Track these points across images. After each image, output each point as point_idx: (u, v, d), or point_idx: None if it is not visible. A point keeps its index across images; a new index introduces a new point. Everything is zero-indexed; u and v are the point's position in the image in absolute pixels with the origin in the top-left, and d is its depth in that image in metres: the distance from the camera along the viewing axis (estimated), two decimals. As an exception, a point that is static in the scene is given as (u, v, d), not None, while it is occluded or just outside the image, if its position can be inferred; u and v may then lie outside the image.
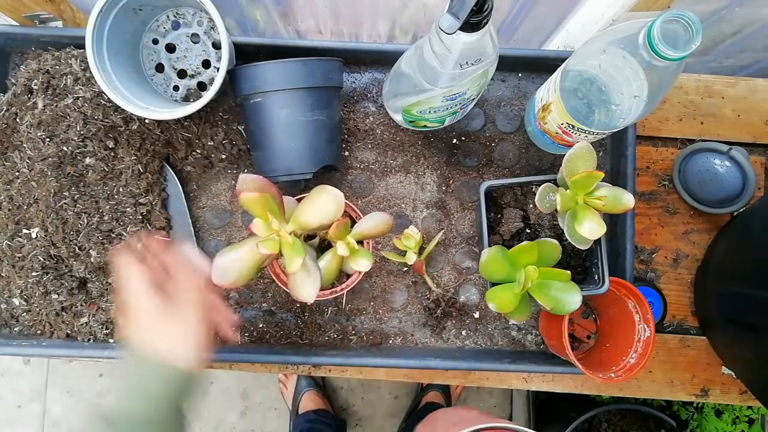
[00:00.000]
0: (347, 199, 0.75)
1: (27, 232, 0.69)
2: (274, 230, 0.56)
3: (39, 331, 0.72)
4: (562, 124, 0.63)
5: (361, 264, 0.61)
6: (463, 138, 0.75)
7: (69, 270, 0.70)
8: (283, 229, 0.57)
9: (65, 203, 0.68)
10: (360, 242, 0.64)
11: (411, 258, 0.70)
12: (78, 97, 0.67)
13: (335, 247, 0.61)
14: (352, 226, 0.64)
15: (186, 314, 0.52)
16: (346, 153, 0.75)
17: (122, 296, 0.52)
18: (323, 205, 0.57)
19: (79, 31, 0.72)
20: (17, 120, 0.70)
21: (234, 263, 0.56)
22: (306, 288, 0.57)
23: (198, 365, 0.51)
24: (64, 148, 0.67)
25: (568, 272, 0.60)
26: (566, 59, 0.61)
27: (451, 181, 0.75)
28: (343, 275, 0.69)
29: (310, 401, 1.43)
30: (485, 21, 0.49)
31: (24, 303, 0.71)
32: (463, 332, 0.74)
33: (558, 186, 0.61)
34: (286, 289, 0.66)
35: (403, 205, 0.75)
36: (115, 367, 1.55)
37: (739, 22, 0.79)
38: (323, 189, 0.57)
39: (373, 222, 0.63)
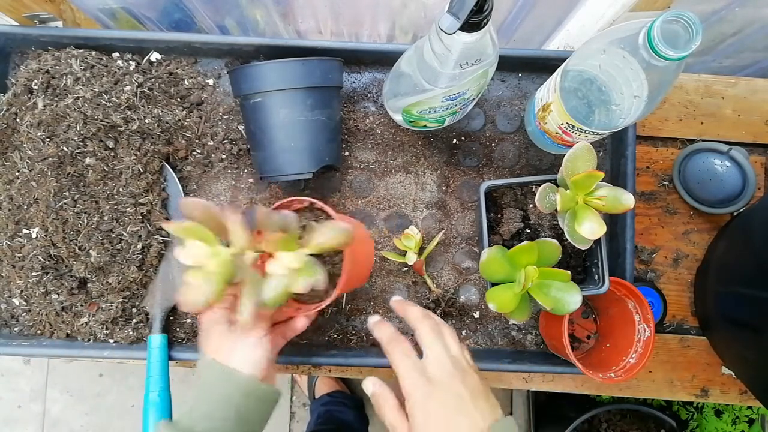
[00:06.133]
0: (346, 199, 0.75)
1: (27, 232, 0.69)
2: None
3: (39, 331, 0.72)
4: (562, 124, 0.63)
5: (301, 285, 0.52)
6: (463, 138, 0.75)
7: (69, 270, 0.70)
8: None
9: (65, 203, 0.67)
10: (320, 256, 0.57)
11: (411, 258, 0.70)
12: (78, 97, 0.67)
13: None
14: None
15: (251, 328, 0.55)
16: (346, 153, 0.75)
17: (201, 321, 0.59)
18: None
19: (79, 31, 0.72)
20: (17, 120, 0.70)
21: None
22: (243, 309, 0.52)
23: (264, 374, 0.54)
24: (64, 148, 0.67)
25: (568, 272, 0.60)
26: (566, 59, 0.61)
27: (451, 181, 0.75)
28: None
29: (324, 385, 1.44)
30: (485, 21, 0.49)
31: (24, 303, 0.71)
32: (463, 332, 0.74)
33: (558, 186, 0.61)
34: None
35: (403, 205, 0.75)
36: (115, 369, 1.55)
37: (739, 22, 0.79)
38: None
39: (325, 234, 0.54)
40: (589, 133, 0.62)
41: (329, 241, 0.54)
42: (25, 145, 0.68)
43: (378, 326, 0.59)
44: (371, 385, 0.54)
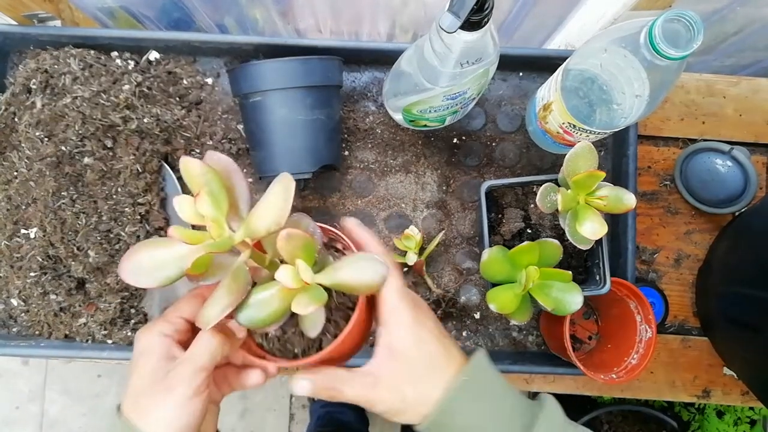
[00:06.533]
0: (346, 199, 0.75)
1: (25, 232, 0.69)
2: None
3: (37, 332, 0.71)
4: (563, 123, 0.63)
5: (303, 305, 0.37)
6: (463, 137, 0.75)
7: (67, 270, 0.69)
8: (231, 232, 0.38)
9: (63, 203, 0.67)
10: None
11: (411, 258, 0.70)
12: (76, 97, 0.67)
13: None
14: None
15: (181, 381, 0.40)
16: (346, 152, 0.74)
17: (138, 347, 0.43)
18: (272, 200, 0.38)
19: (77, 30, 0.72)
20: (15, 119, 0.69)
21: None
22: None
23: None
24: (63, 148, 0.67)
25: (570, 273, 0.60)
26: (567, 58, 0.61)
27: (451, 181, 0.75)
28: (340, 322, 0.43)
29: None
30: (486, 20, 0.48)
31: (22, 303, 0.71)
32: (464, 333, 0.74)
33: (559, 186, 0.61)
34: None
35: (403, 205, 0.75)
36: (114, 370, 1.55)
37: (741, 21, 0.79)
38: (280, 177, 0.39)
39: (355, 269, 0.39)
40: (590, 132, 0.61)
41: (357, 278, 0.39)
42: (23, 145, 0.68)
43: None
44: (306, 383, 0.42)
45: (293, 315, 0.41)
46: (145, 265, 0.38)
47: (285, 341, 0.43)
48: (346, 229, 0.45)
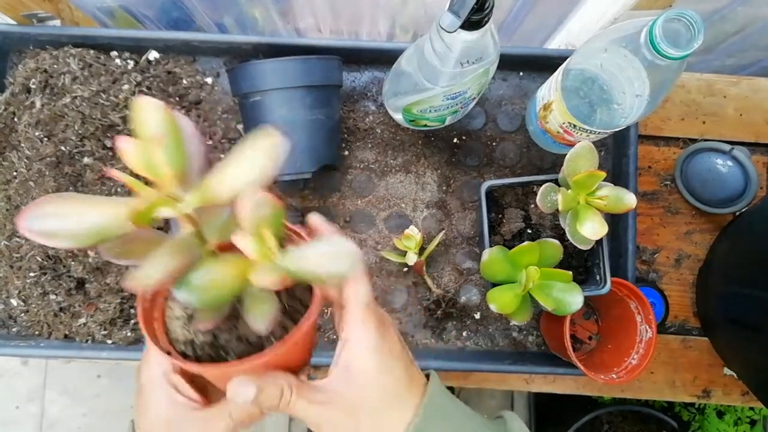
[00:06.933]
0: (346, 199, 0.74)
1: (24, 232, 0.69)
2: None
3: (37, 332, 0.71)
4: (563, 123, 0.63)
5: (264, 274, 0.30)
6: (463, 137, 0.75)
7: (67, 270, 0.69)
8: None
9: (63, 203, 0.67)
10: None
11: (411, 258, 0.70)
12: (76, 97, 0.67)
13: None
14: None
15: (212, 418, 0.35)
16: (346, 152, 0.74)
17: (140, 368, 0.38)
18: (251, 155, 0.31)
19: (77, 30, 0.72)
20: (15, 119, 0.69)
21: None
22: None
23: None
24: (62, 148, 0.66)
25: (570, 273, 0.60)
26: (567, 58, 0.61)
27: (451, 181, 0.75)
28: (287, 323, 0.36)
29: None
30: (486, 19, 0.48)
31: (22, 303, 0.71)
32: (464, 333, 0.74)
33: (559, 186, 0.61)
34: None
35: (403, 205, 0.74)
36: (114, 370, 1.55)
37: (741, 20, 0.79)
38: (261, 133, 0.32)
39: (324, 252, 0.31)
40: (590, 132, 0.61)
41: (325, 263, 0.31)
42: (23, 145, 0.68)
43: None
44: (251, 388, 0.33)
45: (231, 317, 0.34)
46: (66, 212, 0.28)
47: (219, 348, 0.35)
48: (311, 226, 0.40)
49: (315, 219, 0.40)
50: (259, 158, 0.31)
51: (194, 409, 0.36)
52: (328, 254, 0.31)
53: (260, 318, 0.32)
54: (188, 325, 0.35)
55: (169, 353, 0.34)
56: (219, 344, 0.35)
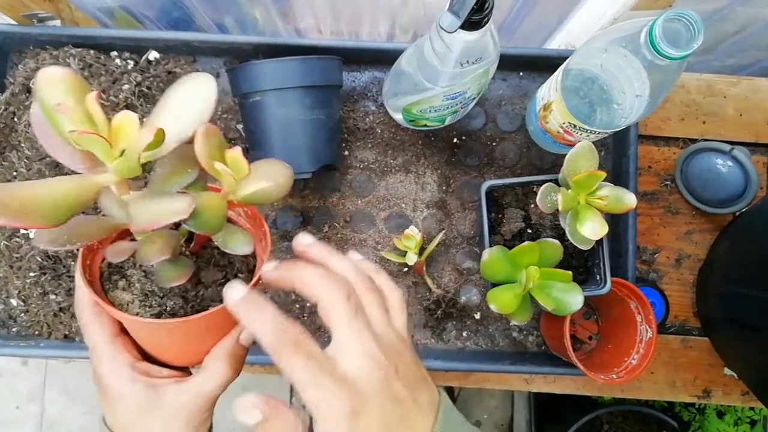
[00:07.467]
0: (346, 199, 0.74)
1: (24, 232, 0.69)
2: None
3: (37, 332, 0.71)
4: (563, 123, 0.63)
5: (242, 194, 0.37)
6: (463, 137, 0.75)
7: (67, 270, 0.69)
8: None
9: (63, 203, 0.67)
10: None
11: (411, 258, 0.70)
12: (76, 97, 0.67)
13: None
14: None
15: (173, 411, 0.37)
16: (346, 152, 0.74)
17: (98, 371, 0.38)
18: (185, 98, 0.33)
19: (77, 30, 0.72)
20: (15, 119, 0.69)
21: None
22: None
23: None
24: (62, 148, 0.67)
25: (570, 273, 0.60)
26: (567, 58, 0.61)
27: (451, 181, 0.75)
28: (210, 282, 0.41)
29: None
30: (486, 19, 0.48)
31: (22, 303, 0.71)
32: (464, 333, 0.74)
33: (559, 186, 0.61)
34: None
35: (403, 205, 0.74)
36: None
37: (741, 20, 0.79)
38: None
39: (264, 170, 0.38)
40: (590, 132, 0.61)
41: (262, 186, 0.38)
42: (23, 145, 0.68)
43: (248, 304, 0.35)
44: (261, 406, 0.33)
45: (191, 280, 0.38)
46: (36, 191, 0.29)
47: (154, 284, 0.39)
48: (299, 251, 0.40)
49: (305, 243, 0.41)
50: (195, 101, 0.33)
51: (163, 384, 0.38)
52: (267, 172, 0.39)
53: (240, 245, 0.37)
54: (147, 300, 0.39)
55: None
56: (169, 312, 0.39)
